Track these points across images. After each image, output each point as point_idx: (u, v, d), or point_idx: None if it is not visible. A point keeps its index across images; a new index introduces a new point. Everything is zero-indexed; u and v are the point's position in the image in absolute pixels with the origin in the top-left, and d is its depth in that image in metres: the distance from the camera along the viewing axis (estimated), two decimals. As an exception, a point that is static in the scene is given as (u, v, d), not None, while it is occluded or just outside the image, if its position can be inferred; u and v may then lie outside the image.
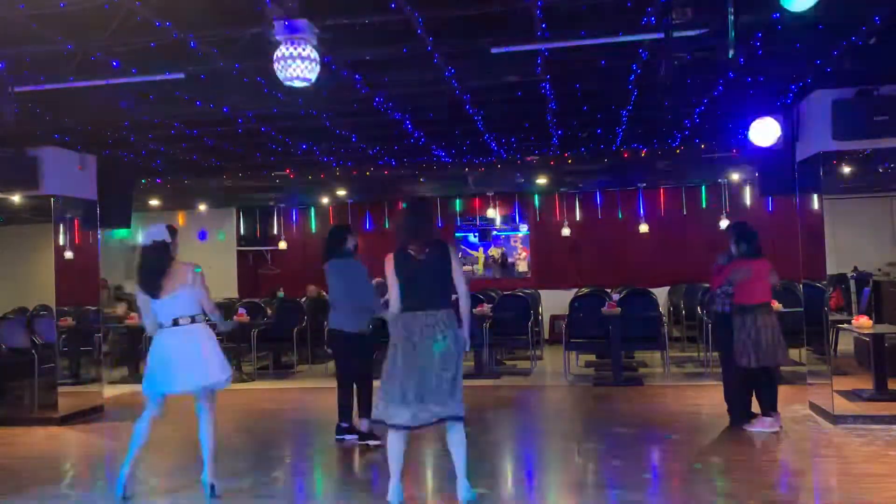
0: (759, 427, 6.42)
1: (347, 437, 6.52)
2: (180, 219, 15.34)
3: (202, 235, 15.63)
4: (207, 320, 5.01)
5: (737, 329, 6.37)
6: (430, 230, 4.75)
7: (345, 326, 6.52)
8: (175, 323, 4.89)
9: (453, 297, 4.68)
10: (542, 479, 5.45)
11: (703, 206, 14.24)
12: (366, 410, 6.50)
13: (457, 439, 4.54)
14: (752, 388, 6.58)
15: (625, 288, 11.75)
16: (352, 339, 6.52)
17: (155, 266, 4.94)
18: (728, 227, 6.83)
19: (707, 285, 11.41)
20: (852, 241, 11.92)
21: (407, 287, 4.56)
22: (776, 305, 8.74)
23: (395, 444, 4.55)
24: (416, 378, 4.40)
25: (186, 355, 4.84)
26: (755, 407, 6.60)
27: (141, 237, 5.09)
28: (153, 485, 5.51)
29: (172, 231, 5.08)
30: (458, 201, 15.13)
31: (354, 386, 6.60)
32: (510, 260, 15.08)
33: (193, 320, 4.91)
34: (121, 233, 13.99)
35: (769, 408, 6.49)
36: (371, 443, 6.39)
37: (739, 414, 6.60)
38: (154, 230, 5.03)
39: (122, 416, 8.34)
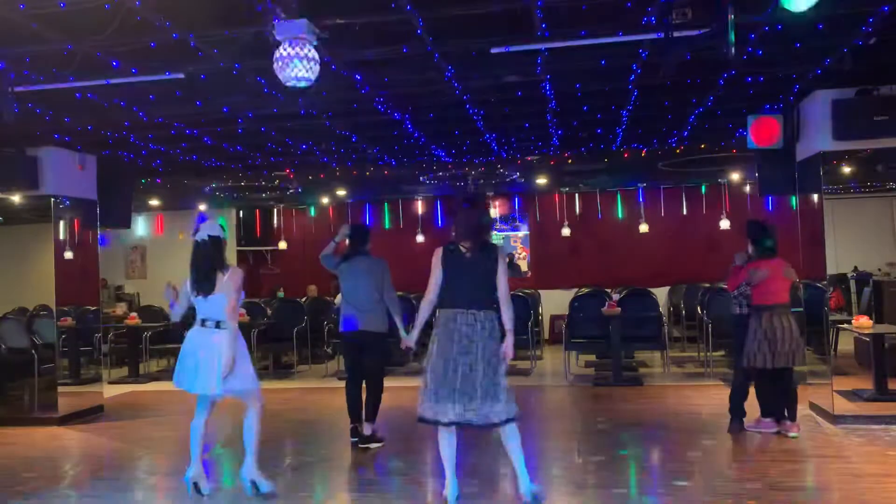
0: (757, 427, 6.42)
1: (373, 445, 6.38)
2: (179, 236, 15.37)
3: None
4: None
5: (752, 329, 6.26)
6: (486, 231, 4.78)
7: (368, 326, 6.41)
8: (203, 323, 4.86)
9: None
10: (541, 478, 5.45)
11: (703, 205, 14.24)
12: (372, 414, 6.45)
13: (510, 440, 4.58)
14: (759, 389, 6.51)
15: (625, 288, 11.75)
16: (374, 338, 6.44)
17: (211, 264, 4.87)
18: (746, 225, 6.67)
19: (707, 285, 11.46)
20: (852, 241, 11.94)
21: (450, 284, 4.63)
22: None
23: (445, 440, 4.58)
24: (459, 376, 4.44)
25: (208, 358, 4.77)
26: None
27: (193, 233, 5.02)
28: (152, 483, 5.51)
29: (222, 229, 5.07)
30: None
31: (357, 386, 6.56)
32: (514, 261, 15.09)
33: (219, 325, 4.85)
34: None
35: (770, 409, 6.42)
36: (372, 446, 6.37)
37: (740, 417, 6.53)
38: (206, 225, 5.00)
39: (122, 416, 8.35)
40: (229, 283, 4.88)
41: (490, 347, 4.53)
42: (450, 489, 4.57)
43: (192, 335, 4.91)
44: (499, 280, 4.63)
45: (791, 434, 6.20)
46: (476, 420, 4.45)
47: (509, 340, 4.65)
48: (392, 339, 6.74)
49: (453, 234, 4.78)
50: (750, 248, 6.49)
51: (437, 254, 4.72)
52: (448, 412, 4.43)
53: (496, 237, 14.99)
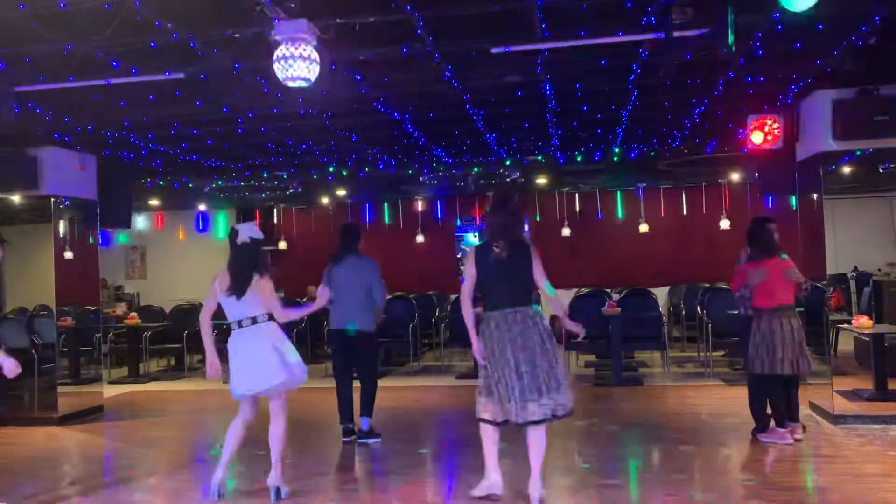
0: (770, 438, 6.05)
1: (371, 441, 6.44)
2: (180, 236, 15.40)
3: (203, 217, 15.61)
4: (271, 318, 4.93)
5: (752, 333, 6.01)
6: (518, 230, 4.83)
7: (359, 325, 6.45)
8: (239, 325, 4.86)
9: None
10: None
11: (703, 206, 14.24)
12: (368, 409, 6.50)
13: (541, 440, 4.66)
14: (768, 396, 6.16)
15: (625, 288, 11.75)
16: (364, 336, 6.49)
17: (250, 265, 4.87)
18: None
19: (707, 285, 11.46)
20: (852, 241, 11.95)
21: (489, 285, 4.70)
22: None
23: (491, 437, 4.69)
24: (511, 376, 4.51)
25: (262, 351, 4.81)
26: None
27: (232, 234, 5.00)
28: (152, 483, 5.50)
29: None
30: (457, 201, 15.13)
31: (350, 385, 6.60)
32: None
33: (255, 321, 4.86)
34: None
35: (784, 418, 6.08)
36: (370, 441, 6.39)
37: (762, 423, 6.16)
38: (248, 227, 5.00)
39: (121, 416, 8.35)
40: (265, 284, 4.88)
41: (544, 340, 4.59)
42: (494, 485, 4.68)
43: (235, 340, 4.87)
44: (536, 276, 4.70)
45: (796, 437, 6.04)
46: (541, 416, 4.52)
47: (569, 322, 4.86)
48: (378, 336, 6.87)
49: (487, 234, 4.85)
50: (749, 248, 6.30)
51: (471, 255, 4.80)
52: (511, 412, 4.52)
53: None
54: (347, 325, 6.48)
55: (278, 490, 4.93)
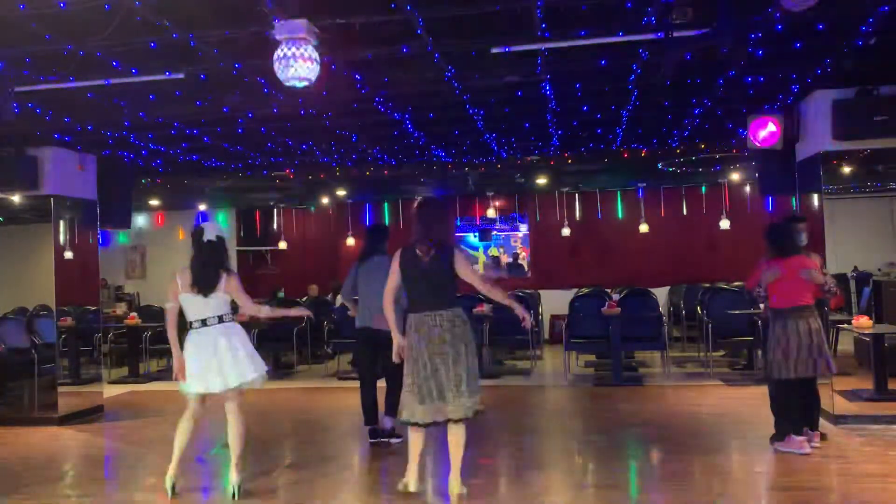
0: (787, 447, 5.74)
1: (394, 440, 6.41)
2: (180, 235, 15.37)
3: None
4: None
5: (768, 336, 5.79)
6: (441, 232, 4.83)
7: (382, 325, 6.42)
8: (204, 323, 4.95)
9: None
10: (541, 478, 5.45)
11: (704, 206, 14.24)
12: (393, 409, 6.47)
13: (461, 436, 4.76)
14: (787, 402, 5.87)
15: (625, 288, 11.75)
16: (388, 337, 6.47)
17: (216, 263, 4.98)
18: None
19: (707, 285, 11.47)
20: (852, 241, 11.93)
21: (412, 288, 4.79)
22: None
23: (415, 438, 4.83)
24: (437, 376, 4.64)
25: (230, 349, 4.95)
26: None
27: (197, 233, 5.09)
28: (152, 483, 5.51)
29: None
30: (457, 201, 15.14)
31: (373, 386, 6.58)
32: (517, 261, 15.09)
33: (221, 320, 4.97)
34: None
35: (801, 425, 5.81)
36: (394, 441, 6.37)
37: (782, 429, 5.86)
38: (213, 226, 5.11)
39: (121, 416, 8.36)
40: (232, 283, 4.99)
41: (463, 344, 4.69)
42: (412, 479, 4.84)
43: (199, 337, 4.96)
44: (464, 275, 4.74)
45: (812, 443, 5.77)
46: (454, 416, 4.65)
47: (519, 308, 4.86)
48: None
49: (413, 235, 4.86)
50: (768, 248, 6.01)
51: (396, 256, 4.86)
52: (428, 413, 4.65)
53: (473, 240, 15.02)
54: (369, 325, 6.43)
55: (238, 487, 5.04)
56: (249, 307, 5.10)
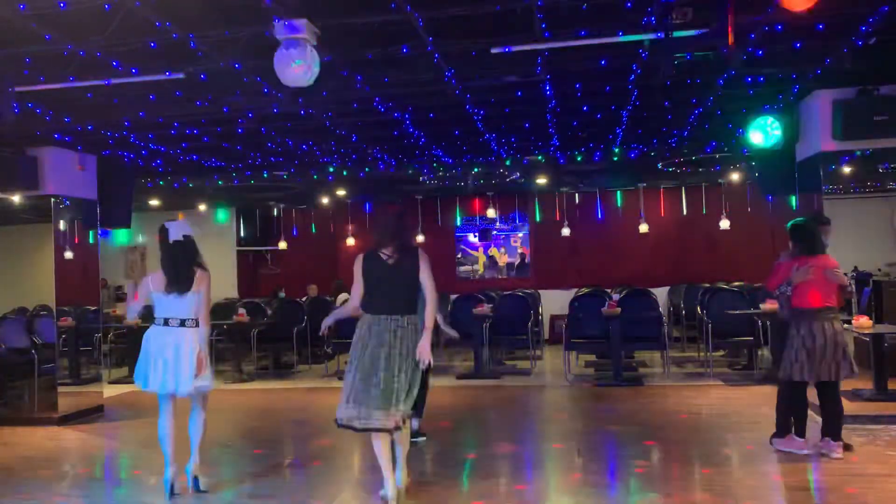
0: (787, 447, 5.68)
1: (418, 440, 6.35)
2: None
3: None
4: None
5: (790, 336, 5.57)
6: (404, 235, 4.77)
7: None
8: (166, 322, 4.94)
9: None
10: (541, 478, 5.45)
11: (703, 206, 14.24)
12: (419, 410, 6.45)
13: (404, 441, 4.77)
14: (796, 404, 5.75)
15: (625, 288, 11.75)
16: None
17: (188, 263, 4.96)
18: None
19: (707, 285, 11.46)
20: (852, 241, 11.92)
21: (373, 290, 4.64)
22: (772, 305, 8.75)
23: (377, 444, 4.61)
24: (378, 381, 4.48)
25: (179, 357, 4.90)
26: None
27: (163, 233, 5.09)
28: (152, 483, 5.50)
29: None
30: (457, 201, 15.14)
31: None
32: (517, 261, 15.09)
33: (183, 323, 4.94)
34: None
35: (804, 426, 5.71)
36: (418, 440, 6.35)
37: (784, 427, 5.79)
38: (179, 225, 5.06)
39: (122, 416, 8.35)
40: (204, 281, 4.99)
41: (411, 353, 4.56)
42: (389, 489, 4.62)
43: (155, 335, 4.96)
44: (423, 281, 4.64)
45: (834, 455, 5.47)
46: (392, 425, 4.49)
47: (424, 340, 4.58)
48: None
49: (374, 240, 4.80)
50: (791, 246, 5.84)
51: (358, 261, 4.72)
52: (363, 417, 4.49)
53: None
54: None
55: (196, 479, 5.06)
56: (203, 315, 5.00)
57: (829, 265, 5.61)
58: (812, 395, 5.80)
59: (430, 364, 4.65)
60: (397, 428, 4.53)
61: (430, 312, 4.63)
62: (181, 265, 4.96)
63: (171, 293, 4.92)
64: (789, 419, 5.80)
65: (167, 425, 5.11)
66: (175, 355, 4.88)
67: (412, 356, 4.55)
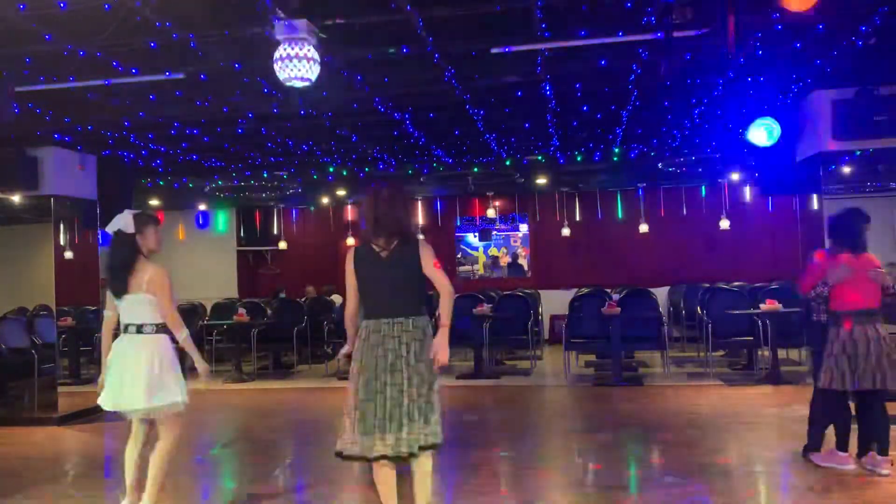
0: (829, 462, 5.24)
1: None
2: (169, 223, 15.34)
3: (203, 217, 15.58)
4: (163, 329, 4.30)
5: (829, 341, 5.06)
6: (402, 222, 3.91)
7: None
8: (126, 329, 4.29)
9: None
10: (541, 478, 5.45)
11: (703, 205, 14.25)
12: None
13: (425, 467, 3.88)
14: (840, 417, 5.27)
15: (625, 288, 11.75)
16: None
17: (118, 262, 4.30)
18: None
19: (707, 285, 11.44)
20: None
21: (369, 290, 3.89)
22: (774, 305, 8.76)
23: (380, 476, 3.89)
24: (387, 399, 3.73)
25: (129, 369, 4.21)
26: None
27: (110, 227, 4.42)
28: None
29: (144, 220, 4.39)
30: (457, 201, 15.15)
31: None
32: (517, 261, 15.10)
33: (140, 330, 4.25)
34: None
35: (846, 440, 5.25)
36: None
37: (815, 447, 5.38)
38: (118, 219, 4.35)
39: (121, 416, 8.35)
40: (150, 283, 4.23)
41: (422, 360, 3.79)
42: None
43: (116, 345, 4.32)
44: (430, 275, 3.87)
45: (881, 471, 4.99)
46: (407, 449, 3.71)
47: (441, 336, 3.83)
48: None
49: (362, 231, 4.03)
50: (828, 244, 5.41)
51: (349, 259, 3.93)
52: (376, 446, 3.71)
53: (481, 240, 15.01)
54: None
55: None
56: (168, 316, 4.24)
57: (874, 264, 5.18)
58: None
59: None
60: (412, 455, 3.73)
61: (446, 306, 3.83)
62: (114, 264, 4.31)
63: (112, 297, 4.31)
64: (824, 432, 5.36)
65: (129, 448, 4.44)
66: (127, 366, 4.19)
67: (424, 362, 3.79)
